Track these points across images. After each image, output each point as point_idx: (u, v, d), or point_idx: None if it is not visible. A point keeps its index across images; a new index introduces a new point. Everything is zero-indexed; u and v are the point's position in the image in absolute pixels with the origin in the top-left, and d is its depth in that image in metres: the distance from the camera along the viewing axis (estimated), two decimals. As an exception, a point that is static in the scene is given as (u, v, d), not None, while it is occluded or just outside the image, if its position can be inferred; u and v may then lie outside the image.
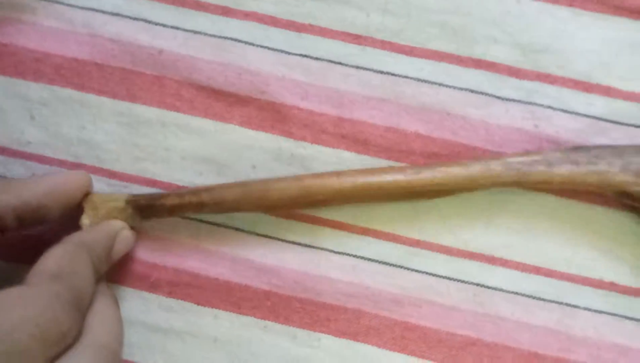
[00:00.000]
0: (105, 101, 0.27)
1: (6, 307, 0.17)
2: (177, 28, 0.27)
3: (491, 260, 0.26)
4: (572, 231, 0.26)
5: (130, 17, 0.27)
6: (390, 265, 0.26)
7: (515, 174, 0.24)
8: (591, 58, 0.26)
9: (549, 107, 0.26)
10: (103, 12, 0.27)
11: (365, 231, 0.26)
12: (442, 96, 0.26)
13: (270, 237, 0.27)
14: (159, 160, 0.27)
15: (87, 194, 0.25)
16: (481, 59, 0.27)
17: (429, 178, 0.24)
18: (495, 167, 0.24)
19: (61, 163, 0.27)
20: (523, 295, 0.26)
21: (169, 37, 0.26)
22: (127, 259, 0.26)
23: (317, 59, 0.27)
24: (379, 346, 0.26)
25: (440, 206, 0.26)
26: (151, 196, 0.24)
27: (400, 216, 0.27)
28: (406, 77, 0.27)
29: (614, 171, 0.24)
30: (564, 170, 0.24)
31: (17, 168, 0.27)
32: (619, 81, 0.26)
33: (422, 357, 0.26)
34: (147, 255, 0.26)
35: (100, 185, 0.27)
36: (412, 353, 0.26)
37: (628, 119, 0.26)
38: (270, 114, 0.27)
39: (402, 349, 0.26)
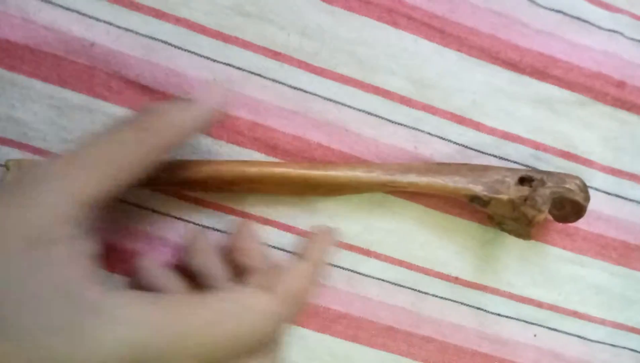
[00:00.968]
0: (36, 84, 0.28)
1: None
2: (111, 24, 0.28)
3: (366, 253, 0.32)
4: (431, 234, 0.32)
5: (64, 7, 0.28)
6: (285, 251, 0.31)
7: (391, 179, 0.29)
8: (468, 97, 0.32)
9: (429, 133, 0.32)
10: (38, -2, 0.28)
11: (267, 222, 0.31)
12: (343, 115, 0.31)
13: (184, 220, 0.30)
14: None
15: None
16: (380, 86, 0.31)
17: (322, 174, 0.29)
18: (377, 170, 0.29)
19: (-13, 135, 0.28)
20: (387, 281, 0.32)
21: (101, 31, 0.28)
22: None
23: (239, 68, 0.30)
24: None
25: (330, 207, 0.31)
26: None
27: (297, 211, 0.31)
28: (315, 95, 0.30)
29: (467, 181, 0.30)
30: (429, 178, 0.29)
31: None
32: (486, 118, 0.32)
33: (301, 325, 0.32)
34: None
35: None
36: (293, 322, 0.32)
37: (489, 150, 0.32)
38: (192, 113, 0.30)
39: (286, 319, 0.32)
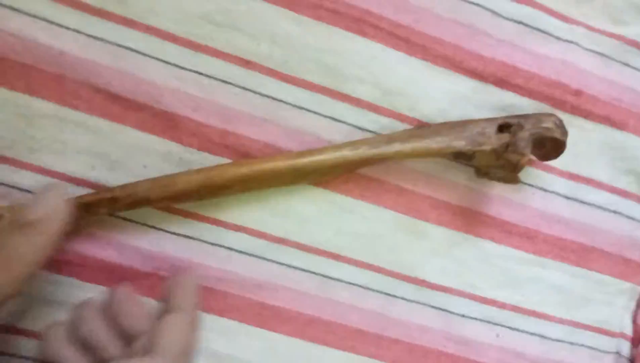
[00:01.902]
0: (3, 91, 0.28)
1: None
2: (79, 32, 0.28)
3: (336, 257, 0.33)
4: (400, 238, 0.33)
5: (32, 16, 0.27)
6: (257, 256, 0.32)
7: (377, 152, 0.29)
8: (433, 105, 0.32)
9: (397, 140, 0.32)
10: (3, 5, 0.27)
11: (239, 228, 0.31)
12: (313, 122, 0.31)
13: (155, 228, 0.30)
14: (53, 152, 0.29)
15: None
16: (348, 94, 0.31)
17: (310, 160, 0.28)
18: (362, 146, 0.29)
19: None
20: (357, 285, 0.33)
21: (70, 39, 0.28)
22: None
23: (209, 76, 0.30)
24: (240, 321, 0.32)
25: (300, 212, 0.32)
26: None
27: (268, 216, 0.32)
28: (285, 102, 0.31)
29: (449, 139, 0.30)
30: (413, 144, 0.29)
31: None
32: (451, 126, 0.33)
33: (274, 330, 0.32)
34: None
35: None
36: (266, 327, 0.32)
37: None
38: (162, 121, 0.30)
39: (259, 324, 0.32)
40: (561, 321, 0.35)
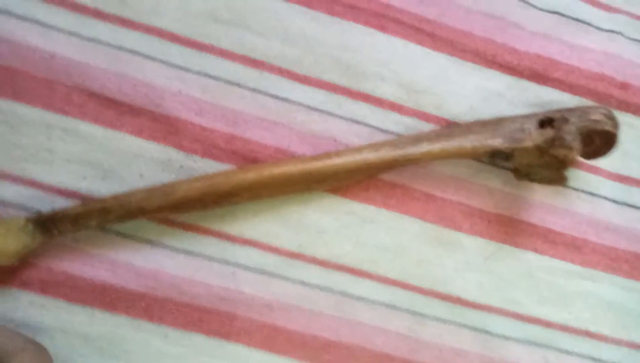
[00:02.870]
0: (-13, 98, 0.26)
1: None
2: (73, 34, 0.26)
3: (357, 273, 0.30)
4: (429, 250, 0.30)
5: (21, 17, 0.26)
6: (267, 273, 0.29)
7: (402, 153, 0.26)
8: (463, 102, 0.30)
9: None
10: (-8, 7, 0.26)
11: (247, 242, 0.29)
12: (330, 124, 0.29)
13: (152, 242, 0.28)
14: (41, 161, 0.27)
15: None
16: (369, 94, 0.29)
17: (326, 164, 0.26)
18: (384, 147, 0.26)
19: None
20: (380, 304, 0.30)
21: (63, 42, 0.26)
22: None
23: (215, 78, 0.28)
24: (248, 345, 0.29)
25: (316, 223, 0.29)
26: (53, 210, 0.24)
27: (280, 229, 0.29)
28: (299, 104, 0.29)
29: (483, 137, 0.27)
30: (442, 144, 0.27)
31: None
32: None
33: (287, 355, 0.29)
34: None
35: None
36: (278, 352, 0.29)
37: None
38: (162, 126, 0.28)
39: (270, 348, 0.29)
40: (616, 341, 0.31)
